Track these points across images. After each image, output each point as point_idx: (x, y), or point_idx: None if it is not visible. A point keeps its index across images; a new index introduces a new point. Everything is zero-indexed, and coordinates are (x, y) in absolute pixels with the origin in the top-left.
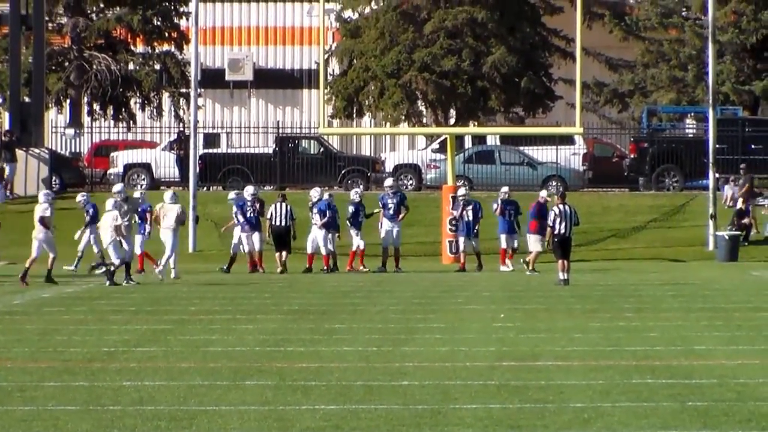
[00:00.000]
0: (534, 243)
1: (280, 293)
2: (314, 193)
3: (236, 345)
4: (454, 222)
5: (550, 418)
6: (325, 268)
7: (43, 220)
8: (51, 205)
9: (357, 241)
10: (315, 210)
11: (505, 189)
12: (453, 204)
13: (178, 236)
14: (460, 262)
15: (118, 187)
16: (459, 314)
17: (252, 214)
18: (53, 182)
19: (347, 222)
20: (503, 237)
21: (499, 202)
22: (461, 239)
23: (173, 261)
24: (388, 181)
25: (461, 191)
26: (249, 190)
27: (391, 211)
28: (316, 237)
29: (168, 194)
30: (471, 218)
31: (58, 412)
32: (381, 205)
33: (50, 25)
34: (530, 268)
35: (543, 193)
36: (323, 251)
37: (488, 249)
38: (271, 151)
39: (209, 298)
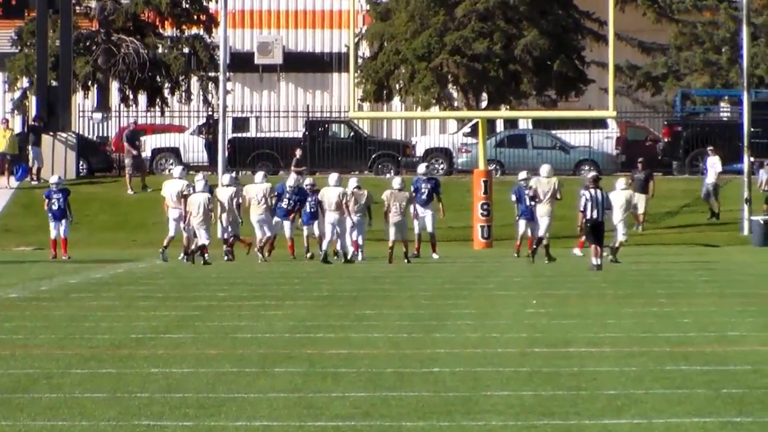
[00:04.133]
0: None
1: (309, 279)
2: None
3: (265, 331)
4: (486, 206)
5: (582, 405)
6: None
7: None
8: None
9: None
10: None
11: (523, 174)
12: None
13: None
14: (516, 245)
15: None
16: (490, 300)
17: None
18: (80, 167)
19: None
20: (522, 223)
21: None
22: (522, 222)
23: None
24: (421, 168)
25: (523, 174)
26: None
27: (424, 197)
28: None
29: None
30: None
31: (84, 399)
32: (413, 190)
33: (77, 8)
34: None
35: None
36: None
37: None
38: (300, 135)
39: (238, 284)
